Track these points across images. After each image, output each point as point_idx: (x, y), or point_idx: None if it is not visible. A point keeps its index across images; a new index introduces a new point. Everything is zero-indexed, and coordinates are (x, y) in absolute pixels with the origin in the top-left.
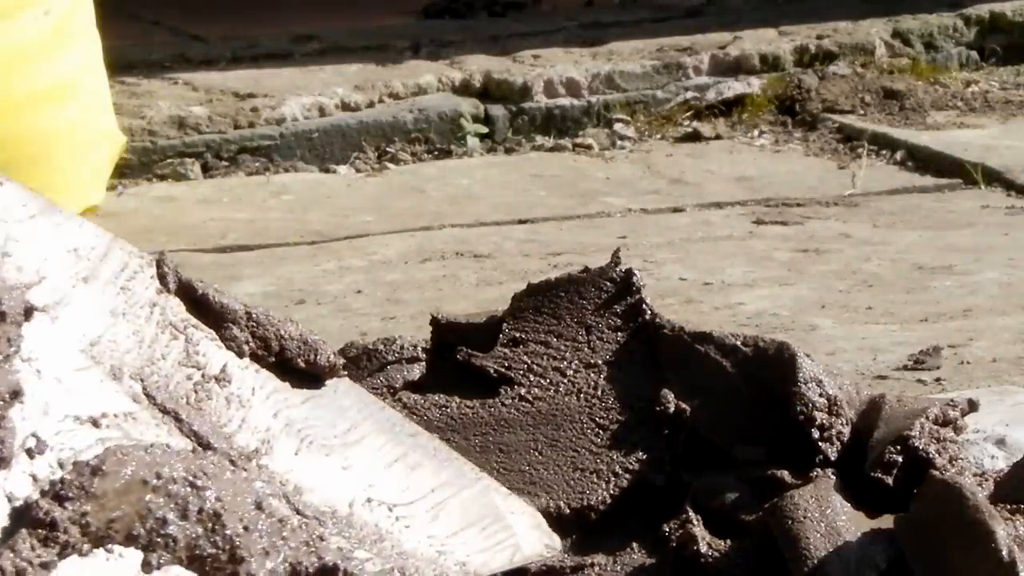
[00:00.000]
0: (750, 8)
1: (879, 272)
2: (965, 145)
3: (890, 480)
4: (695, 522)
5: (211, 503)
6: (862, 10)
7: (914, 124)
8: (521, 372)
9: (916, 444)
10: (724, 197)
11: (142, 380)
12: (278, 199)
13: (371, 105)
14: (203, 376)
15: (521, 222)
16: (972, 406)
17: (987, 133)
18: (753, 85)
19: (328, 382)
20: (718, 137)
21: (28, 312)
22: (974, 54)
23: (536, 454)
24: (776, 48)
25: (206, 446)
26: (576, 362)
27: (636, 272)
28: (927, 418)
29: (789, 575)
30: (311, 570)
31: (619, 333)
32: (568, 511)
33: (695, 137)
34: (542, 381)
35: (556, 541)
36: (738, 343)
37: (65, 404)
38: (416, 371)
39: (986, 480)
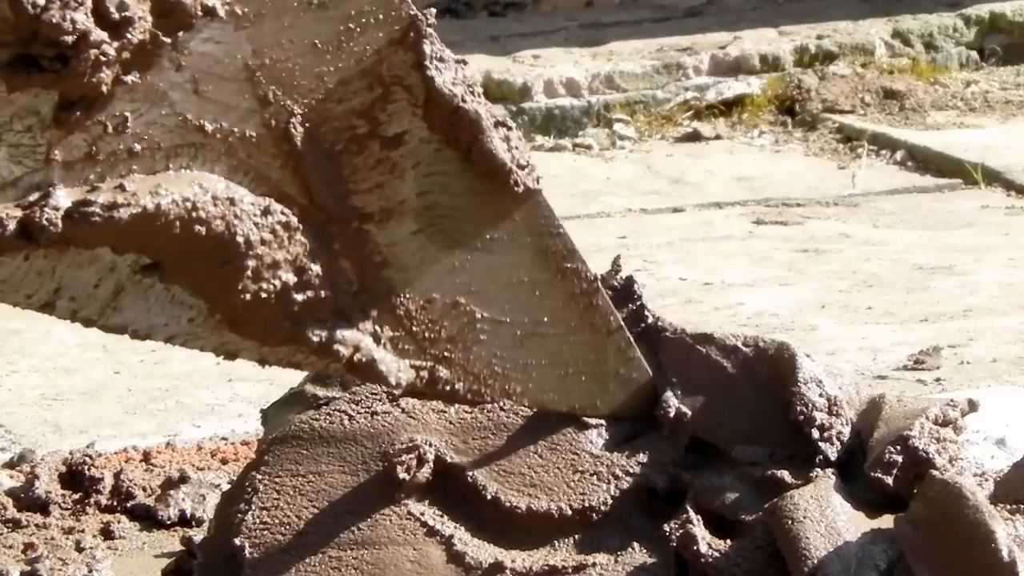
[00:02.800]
0: (750, 8)
1: (879, 272)
2: (965, 145)
3: (890, 480)
4: (695, 522)
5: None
6: (862, 10)
7: (914, 124)
8: None
9: (916, 444)
10: (724, 197)
11: (295, 116)
12: None
13: None
14: (371, 132)
15: None
16: (972, 406)
17: (987, 133)
18: (753, 85)
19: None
20: (718, 137)
21: (209, 11)
22: (974, 54)
23: (536, 456)
24: (776, 48)
25: (309, 196)
26: None
27: (637, 280)
28: (927, 418)
29: (789, 575)
30: (317, 339)
31: None
32: (570, 512)
33: (695, 137)
34: None
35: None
36: (738, 343)
37: (190, 105)
38: None
39: (986, 480)
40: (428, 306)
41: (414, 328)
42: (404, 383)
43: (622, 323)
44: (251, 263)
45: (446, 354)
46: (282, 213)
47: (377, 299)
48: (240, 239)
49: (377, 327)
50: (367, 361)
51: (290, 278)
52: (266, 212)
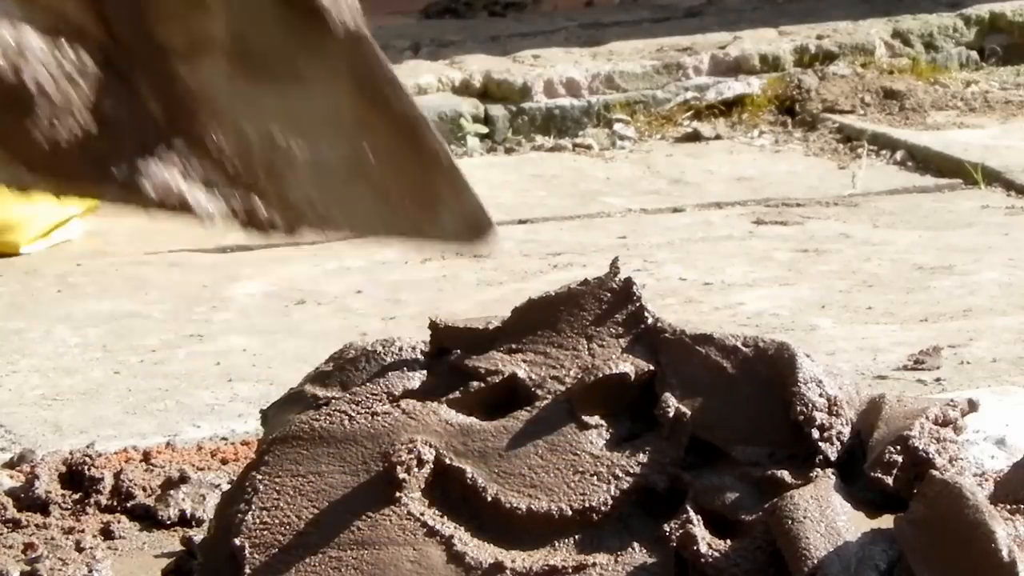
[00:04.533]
0: (750, 8)
1: (879, 272)
2: (965, 145)
3: (890, 480)
4: (695, 522)
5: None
6: (862, 10)
7: (914, 124)
8: None
9: (916, 444)
10: (724, 197)
11: None
12: None
13: None
14: None
15: (521, 222)
16: (972, 406)
17: (987, 133)
18: (753, 85)
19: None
20: (718, 137)
21: None
22: (974, 54)
23: (536, 457)
24: (776, 48)
25: (107, 30)
26: (575, 370)
27: (636, 280)
28: (927, 418)
29: (789, 575)
30: (122, 179)
31: (620, 340)
32: (570, 512)
33: (695, 137)
34: (540, 391)
35: (486, 246)
36: (738, 343)
37: None
38: (416, 377)
39: (986, 480)
40: (241, 141)
41: (226, 164)
42: (217, 218)
43: (452, 157)
44: (45, 108)
45: (261, 187)
46: (76, 52)
47: (186, 135)
48: (30, 84)
49: (186, 164)
50: (176, 197)
51: (89, 120)
52: (59, 53)
